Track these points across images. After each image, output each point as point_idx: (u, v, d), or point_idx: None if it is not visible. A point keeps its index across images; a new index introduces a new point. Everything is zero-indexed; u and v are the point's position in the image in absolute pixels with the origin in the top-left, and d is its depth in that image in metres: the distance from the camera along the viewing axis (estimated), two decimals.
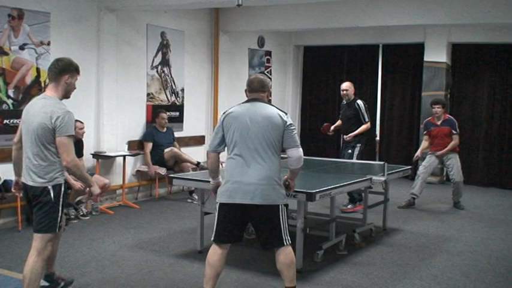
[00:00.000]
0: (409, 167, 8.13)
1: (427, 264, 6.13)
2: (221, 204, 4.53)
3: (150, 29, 9.61)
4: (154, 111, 9.62)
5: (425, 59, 11.70)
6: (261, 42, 12.49)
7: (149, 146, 9.30)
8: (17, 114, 7.38)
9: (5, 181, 7.09)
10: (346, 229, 6.77)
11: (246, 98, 4.69)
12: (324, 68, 13.50)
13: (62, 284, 4.90)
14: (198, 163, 9.48)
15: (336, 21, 10.32)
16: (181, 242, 6.77)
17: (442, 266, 6.06)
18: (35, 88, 7.61)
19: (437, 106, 9.10)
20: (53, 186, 4.27)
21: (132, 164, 9.35)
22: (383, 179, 6.66)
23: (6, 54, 7.25)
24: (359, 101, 8.83)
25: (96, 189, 4.58)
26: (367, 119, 8.79)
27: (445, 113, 9.24)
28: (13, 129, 7.33)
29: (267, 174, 4.40)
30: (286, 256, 4.49)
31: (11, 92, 7.33)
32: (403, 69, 12.49)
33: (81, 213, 7.84)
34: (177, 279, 5.43)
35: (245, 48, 12.11)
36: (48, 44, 7.76)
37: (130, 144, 9.32)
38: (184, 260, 6.06)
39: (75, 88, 4.50)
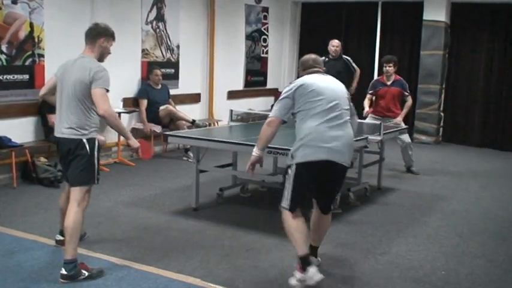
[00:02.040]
0: (406, 126, 8.11)
1: (421, 223, 6.17)
2: (303, 164, 4.29)
3: None
4: (149, 68, 9.52)
5: (425, 17, 11.57)
6: None
7: (144, 103, 9.23)
8: (11, 69, 7.30)
9: None
10: (341, 188, 6.77)
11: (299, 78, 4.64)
12: (322, 26, 13.31)
13: None
14: (194, 121, 9.45)
15: None
16: (177, 200, 6.79)
17: (436, 225, 6.11)
18: (29, 43, 7.50)
19: (388, 65, 8.59)
20: (88, 140, 4.43)
21: (127, 122, 9.27)
22: (379, 138, 6.64)
23: None
24: (345, 56, 9.43)
25: (135, 143, 4.75)
26: (356, 68, 9.45)
27: (396, 73, 8.73)
28: (7, 85, 7.27)
29: (350, 138, 4.46)
30: (328, 221, 4.68)
31: (4, 48, 7.21)
32: (401, 28, 12.37)
33: None
34: (172, 235, 5.45)
35: (242, 4, 11.92)
36: None
37: (125, 102, 9.25)
38: (179, 217, 6.08)
39: (109, 53, 4.67)
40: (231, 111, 7.66)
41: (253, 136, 6.23)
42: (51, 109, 7.48)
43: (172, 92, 9.87)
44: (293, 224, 4.31)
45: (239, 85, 12.07)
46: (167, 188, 7.35)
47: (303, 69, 4.68)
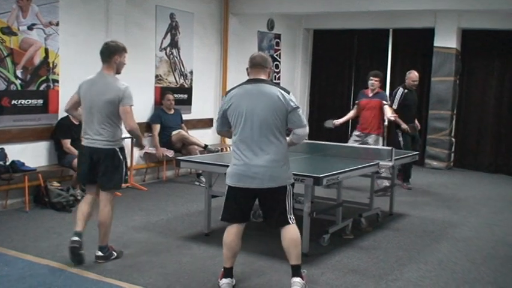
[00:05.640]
0: (417, 152, 8.11)
1: (433, 249, 6.14)
2: (230, 187, 4.58)
3: (159, 10, 9.58)
4: (162, 94, 9.62)
5: (435, 44, 11.62)
6: (270, 25, 12.42)
7: (157, 128, 9.31)
8: (25, 94, 7.40)
9: (12, 161, 7.10)
10: (353, 213, 6.78)
11: (248, 75, 4.67)
12: (334, 52, 13.44)
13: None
14: (206, 146, 9.50)
15: (346, 5, 10.26)
16: (188, 225, 6.80)
17: (447, 251, 6.07)
18: (44, 69, 7.61)
19: (375, 79, 8.98)
20: (120, 149, 5.23)
21: None
22: (390, 164, 6.64)
23: (15, 34, 7.24)
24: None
25: (146, 148, 6.03)
26: None
27: (380, 88, 9.18)
28: (21, 109, 7.36)
29: (273, 157, 4.45)
30: (291, 234, 4.57)
31: (19, 73, 7.32)
32: (412, 54, 12.42)
33: None
34: (184, 261, 5.45)
35: (254, 31, 12.05)
36: (57, 24, 7.75)
37: (139, 126, 9.28)
38: (191, 242, 6.09)
39: (124, 64, 5.31)
40: None
41: None
42: (65, 134, 7.64)
43: (185, 117, 9.94)
44: (225, 238, 4.67)
45: None
46: (179, 213, 7.36)
47: (250, 66, 4.67)
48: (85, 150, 5.22)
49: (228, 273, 4.70)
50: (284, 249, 4.62)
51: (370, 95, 9.05)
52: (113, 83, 5.10)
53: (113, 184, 5.26)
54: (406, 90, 9.22)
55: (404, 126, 9.06)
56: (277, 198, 4.54)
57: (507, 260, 5.86)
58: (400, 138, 9.15)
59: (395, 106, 9.15)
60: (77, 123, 7.84)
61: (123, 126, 5.23)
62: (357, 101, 9.31)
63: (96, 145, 5.13)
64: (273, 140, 4.45)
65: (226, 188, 4.63)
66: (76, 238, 5.17)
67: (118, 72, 5.24)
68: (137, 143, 5.71)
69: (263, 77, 4.59)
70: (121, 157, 5.22)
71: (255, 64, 4.62)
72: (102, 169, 5.16)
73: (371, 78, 9.04)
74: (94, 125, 5.11)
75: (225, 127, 4.70)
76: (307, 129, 4.64)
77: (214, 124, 10.91)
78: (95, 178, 5.24)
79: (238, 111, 4.48)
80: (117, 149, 5.20)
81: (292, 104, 4.49)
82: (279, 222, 4.59)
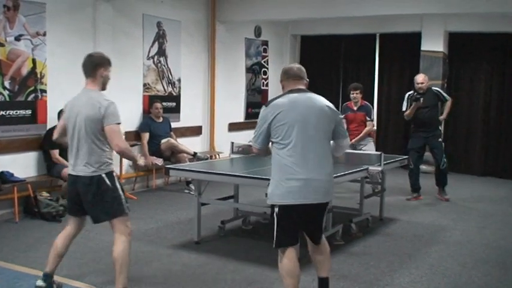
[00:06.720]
0: (406, 156, 8.14)
1: (424, 253, 6.15)
2: (286, 206, 4.12)
3: (146, 19, 9.57)
4: (151, 102, 9.60)
5: (422, 48, 11.66)
6: (257, 31, 12.45)
7: (146, 136, 9.29)
8: (13, 105, 7.38)
9: (1, 172, 7.07)
10: (343, 219, 6.78)
11: (284, 88, 4.43)
12: (321, 58, 13.45)
13: None
14: (195, 154, 9.49)
15: (332, 11, 10.29)
16: (179, 233, 6.78)
17: (438, 255, 6.09)
18: (31, 79, 7.58)
19: (356, 92, 9.05)
20: (106, 174, 4.45)
21: None
22: (380, 169, 6.66)
23: (2, 45, 7.20)
24: (434, 87, 9.27)
25: (142, 161, 5.18)
26: (448, 97, 9.27)
27: (362, 99, 9.22)
28: (10, 120, 7.35)
29: (329, 170, 4.21)
30: (327, 247, 4.44)
31: (7, 84, 7.29)
32: (400, 59, 12.46)
33: None
34: (174, 270, 5.44)
35: (242, 38, 12.07)
36: (44, 34, 7.72)
37: (127, 135, 9.27)
38: (181, 250, 6.07)
39: (109, 79, 4.66)
40: (232, 143, 7.71)
41: (254, 168, 6.29)
42: (53, 145, 7.59)
43: (173, 125, 9.93)
44: (285, 267, 4.19)
45: (240, 117, 12.13)
46: (169, 221, 7.35)
47: (286, 78, 4.43)
48: (69, 179, 4.59)
49: None
50: (317, 262, 4.45)
51: (355, 108, 9.10)
52: (95, 98, 4.41)
53: (113, 213, 4.51)
54: (415, 94, 9.10)
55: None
56: (322, 213, 4.32)
57: (498, 263, 5.88)
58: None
59: (404, 108, 9.18)
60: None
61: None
62: (343, 115, 8.83)
63: (77, 172, 4.44)
64: (326, 151, 4.20)
65: (276, 209, 4.16)
66: (41, 284, 4.56)
67: (103, 88, 4.59)
68: (134, 164, 5.18)
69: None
70: (109, 183, 4.44)
71: (292, 76, 4.38)
72: (89, 200, 4.45)
73: (352, 92, 9.10)
74: (76, 148, 4.45)
75: (267, 142, 4.25)
76: (348, 139, 4.54)
77: (204, 133, 11.02)
78: (80, 212, 4.60)
79: (287, 121, 4.09)
80: (103, 175, 4.43)
81: (340, 114, 4.36)
82: (319, 238, 4.40)
